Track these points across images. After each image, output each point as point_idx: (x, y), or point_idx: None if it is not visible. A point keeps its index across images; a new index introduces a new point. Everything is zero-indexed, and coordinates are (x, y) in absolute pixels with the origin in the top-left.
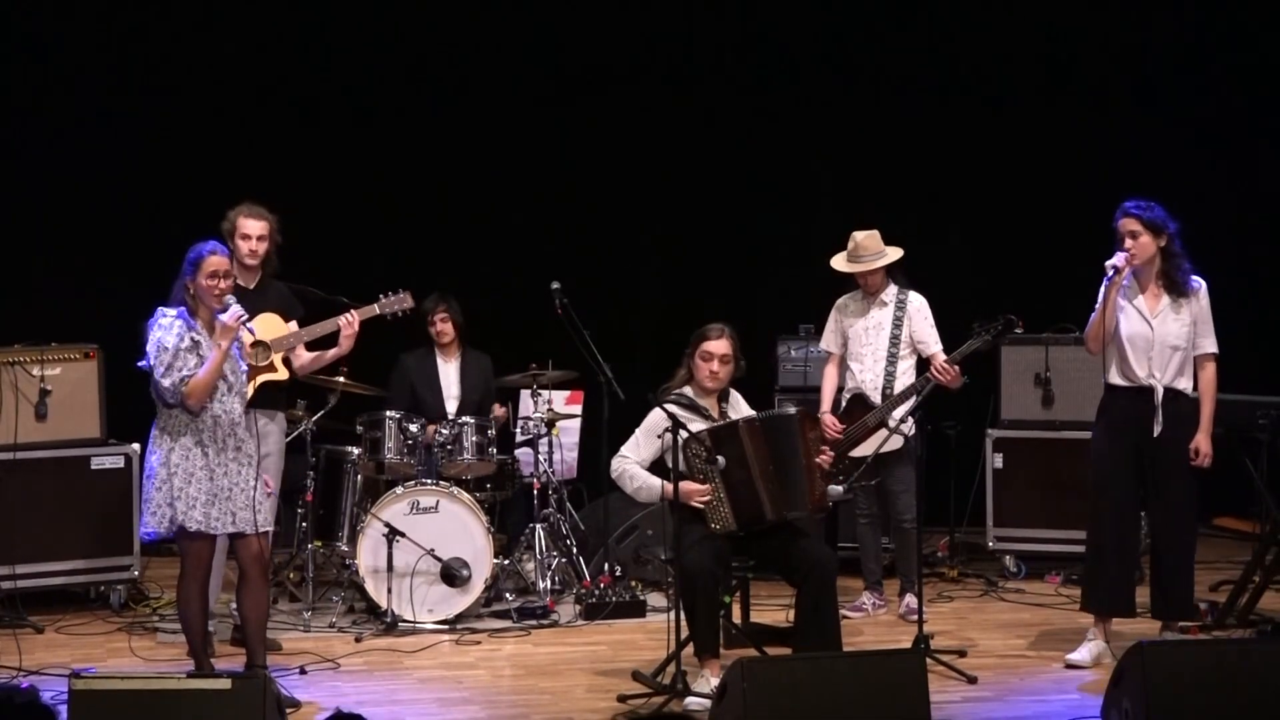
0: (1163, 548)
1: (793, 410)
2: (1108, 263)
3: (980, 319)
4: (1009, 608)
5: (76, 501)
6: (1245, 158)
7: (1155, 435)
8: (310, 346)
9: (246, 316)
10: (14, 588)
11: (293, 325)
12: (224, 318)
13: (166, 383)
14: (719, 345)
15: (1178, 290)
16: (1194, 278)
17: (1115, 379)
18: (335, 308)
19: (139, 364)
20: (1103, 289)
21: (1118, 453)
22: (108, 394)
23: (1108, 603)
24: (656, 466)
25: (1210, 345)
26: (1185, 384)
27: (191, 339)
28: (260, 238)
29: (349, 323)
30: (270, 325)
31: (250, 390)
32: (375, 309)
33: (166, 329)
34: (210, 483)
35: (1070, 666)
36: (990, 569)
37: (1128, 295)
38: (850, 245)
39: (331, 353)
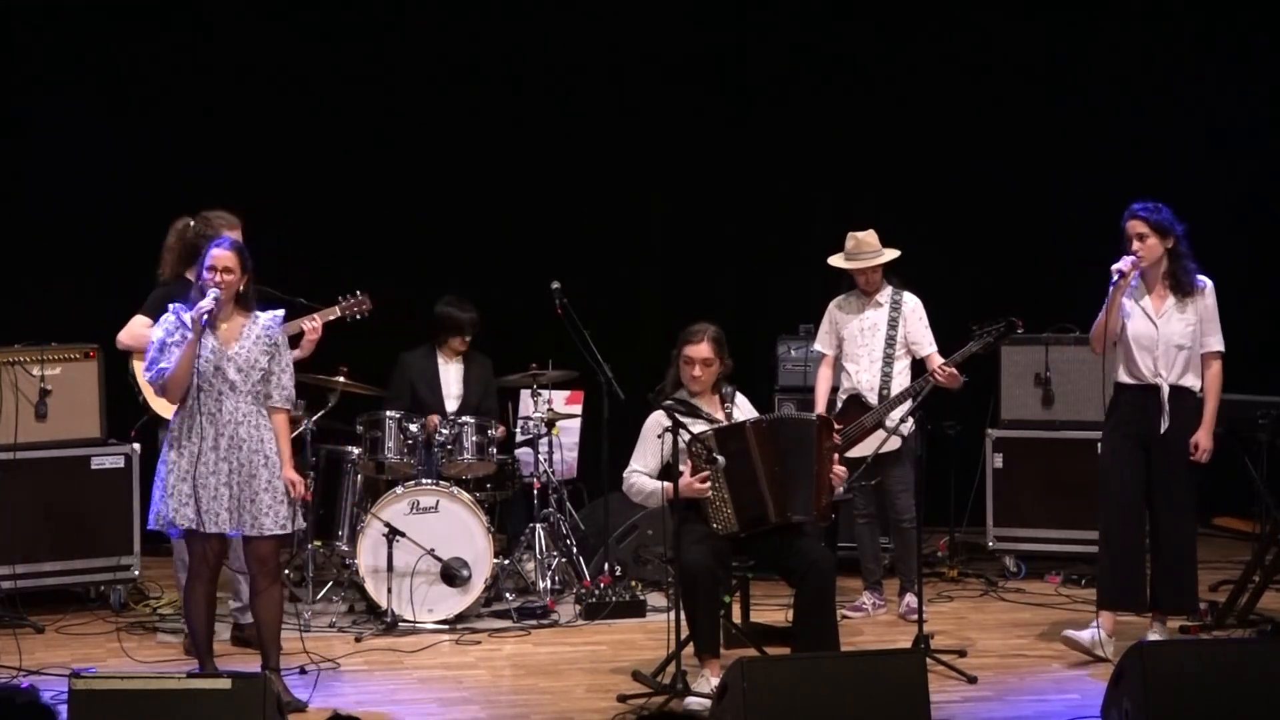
0: (1166, 542)
1: (812, 416)
2: (1114, 266)
3: (980, 321)
4: (1009, 608)
5: (76, 501)
6: (1246, 157)
7: (1162, 432)
8: None
9: (209, 310)
10: (14, 588)
11: None
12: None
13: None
14: (698, 349)
15: (1183, 290)
16: (1200, 277)
17: (1123, 378)
18: (295, 309)
19: None
20: (1110, 292)
21: (1125, 450)
22: (108, 394)
23: (1122, 599)
24: (666, 472)
25: (1216, 343)
26: (1191, 382)
27: (182, 334)
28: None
29: (313, 328)
30: None
31: (293, 401)
32: (336, 311)
33: (161, 324)
34: (199, 481)
35: (1067, 641)
36: (990, 569)
37: (1134, 295)
38: (849, 244)
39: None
